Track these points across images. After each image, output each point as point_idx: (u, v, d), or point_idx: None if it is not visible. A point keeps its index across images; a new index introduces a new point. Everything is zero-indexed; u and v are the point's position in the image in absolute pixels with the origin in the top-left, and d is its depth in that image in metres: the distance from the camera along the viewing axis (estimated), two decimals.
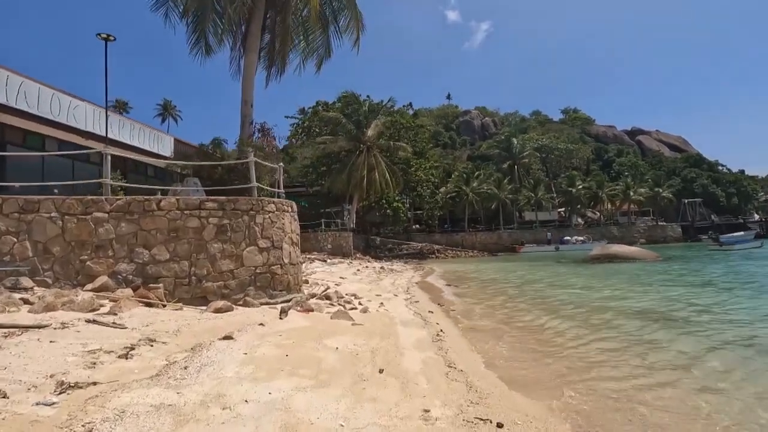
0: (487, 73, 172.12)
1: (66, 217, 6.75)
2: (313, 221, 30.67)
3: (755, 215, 65.26)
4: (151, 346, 4.58)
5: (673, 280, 14.49)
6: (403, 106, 39.20)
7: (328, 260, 23.53)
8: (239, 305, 7.35)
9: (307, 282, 12.32)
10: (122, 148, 16.05)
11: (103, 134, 14.93)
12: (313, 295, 9.23)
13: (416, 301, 10.51)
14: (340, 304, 8.67)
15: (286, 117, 39.27)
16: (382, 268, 22.26)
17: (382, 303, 9.59)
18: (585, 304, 9.72)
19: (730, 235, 51.45)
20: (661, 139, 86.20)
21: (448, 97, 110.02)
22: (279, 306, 7.42)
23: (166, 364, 4.01)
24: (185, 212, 7.31)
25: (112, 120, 16.64)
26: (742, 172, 70.81)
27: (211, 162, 9.83)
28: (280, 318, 6.67)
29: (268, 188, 9.30)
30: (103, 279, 6.65)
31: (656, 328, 7.24)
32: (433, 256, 40.68)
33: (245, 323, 6.03)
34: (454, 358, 5.14)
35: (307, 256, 22.66)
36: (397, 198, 37.06)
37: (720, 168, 70.56)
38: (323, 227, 28.28)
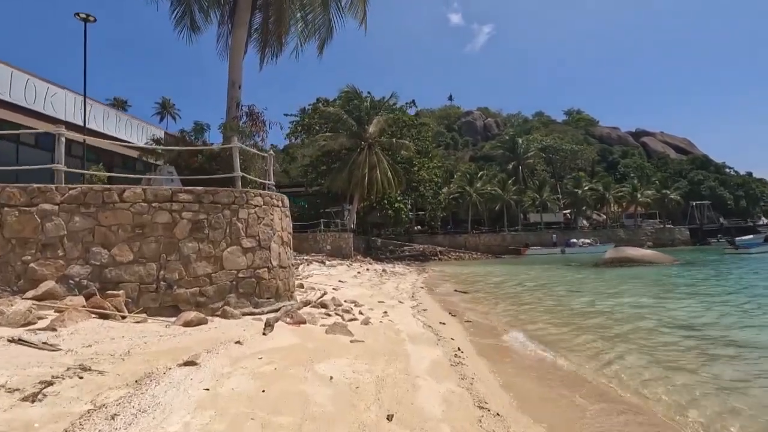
0: (489, 75, 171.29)
1: (5, 209, 5.59)
2: (312, 221, 29.52)
3: (763, 219, 64.07)
4: (80, 378, 3.40)
5: (709, 287, 13.30)
6: (406, 103, 37.94)
7: (327, 262, 22.36)
8: (217, 316, 6.19)
9: (301, 287, 11.16)
10: (106, 139, 14.91)
11: (86, 125, 13.78)
12: (306, 303, 8.05)
13: (424, 310, 9.33)
14: (337, 314, 7.50)
15: (286, 115, 38.13)
16: (384, 270, 21.09)
17: (385, 312, 8.42)
18: (627, 319, 8.43)
19: (745, 238, 50.35)
20: (666, 141, 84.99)
21: (450, 98, 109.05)
22: (265, 317, 6.25)
23: (87, 412, 2.83)
24: (153, 205, 6.14)
25: (95, 110, 15.50)
26: (749, 174, 69.58)
27: (190, 148, 8.64)
28: (264, 333, 5.49)
29: (256, 179, 8.12)
30: (49, 285, 5.48)
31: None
32: (435, 258, 39.48)
33: (218, 341, 4.85)
34: (482, 393, 3.96)
35: (305, 258, 21.50)
36: (399, 198, 35.86)
37: (727, 170, 69.38)
38: (322, 228, 27.11)
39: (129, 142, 15.67)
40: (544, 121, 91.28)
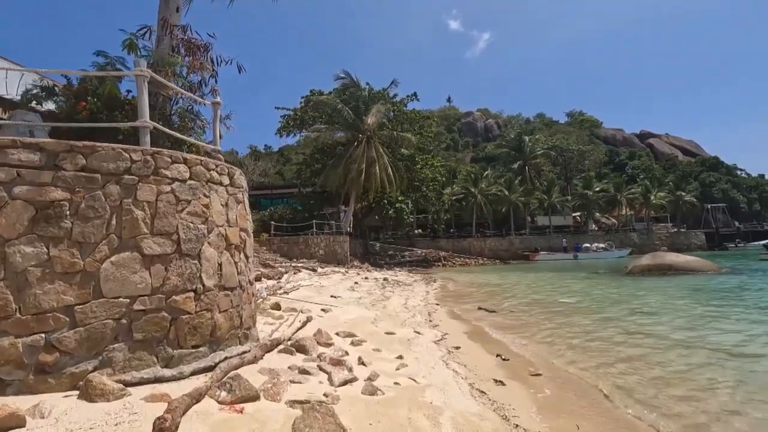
0: (488, 81, 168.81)
1: None
2: (304, 223, 26.42)
3: None
4: None
5: None
6: (407, 96, 34.88)
7: (319, 269, 19.24)
8: (74, 392, 3.10)
9: (278, 307, 8.06)
10: None
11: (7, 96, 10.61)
12: (275, 344, 4.94)
13: (456, 348, 6.25)
14: (322, 369, 4.39)
15: (277, 108, 34.92)
16: (385, 279, 18.00)
17: (401, 356, 5.33)
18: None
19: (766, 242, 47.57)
20: (672, 143, 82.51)
21: (449, 100, 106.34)
22: (181, 384, 3.18)
23: None
24: None
25: None
26: (761, 176, 67.03)
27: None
28: None
29: (187, 139, 5.02)
30: None
31: None
32: (439, 263, 36.40)
33: None
34: None
35: (293, 265, 18.36)
36: (400, 198, 32.78)
37: (738, 172, 66.79)
38: (314, 230, 23.99)
39: None
40: (546, 123, 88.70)
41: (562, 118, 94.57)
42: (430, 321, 8.50)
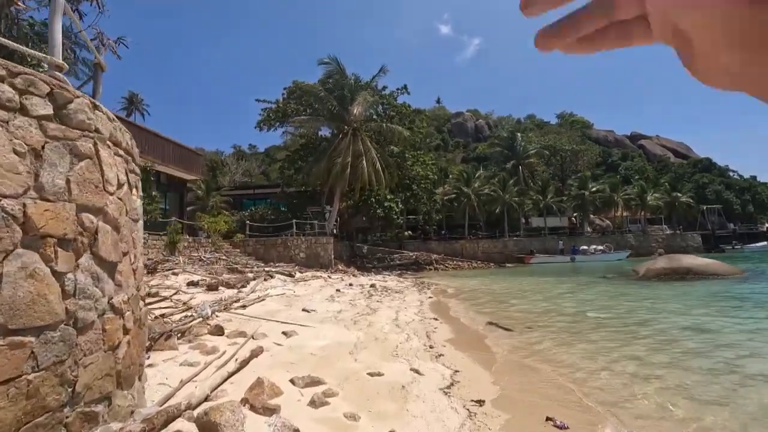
0: (478, 84, 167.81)
1: None
2: (286, 222, 24.07)
3: (767, 224, 60.80)
4: None
5: None
6: (397, 89, 32.69)
7: (298, 274, 16.93)
8: None
9: (219, 331, 5.79)
10: None
11: None
12: (162, 424, 2.68)
13: (479, 403, 4.00)
14: None
15: (258, 101, 32.46)
16: (372, 286, 15.74)
17: None
18: None
19: (760, 244, 46.56)
20: (663, 145, 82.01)
21: (438, 101, 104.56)
22: None
23: None
24: None
25: None
26: (754, 178, 66.49)
27: None
28: None
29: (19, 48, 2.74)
30: None
31: None
32: (430, 267, 34.24)
33: None
34: None
35: (266, 269, 16.00)
36: (389, 196, 30.56)
37: (730, 174, 66.15)
38: (295, 231, 21.63)
39: None
40: (537, 123, 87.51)
41: (553, 120, 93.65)
42: (431, 348, 6.27)
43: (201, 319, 6.42)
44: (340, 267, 23.69)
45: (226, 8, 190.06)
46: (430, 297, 14.10)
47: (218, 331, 5.80)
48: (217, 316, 7.12)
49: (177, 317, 6.46)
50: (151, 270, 12.14)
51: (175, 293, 8.86)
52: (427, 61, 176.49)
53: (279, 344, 5.63)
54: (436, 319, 9.19)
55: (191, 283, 10.50)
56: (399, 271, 29.28)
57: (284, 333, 6.25)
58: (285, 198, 32.65)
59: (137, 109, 75.30)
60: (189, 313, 6.78)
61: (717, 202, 57.05)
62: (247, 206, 33.81)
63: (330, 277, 18.02)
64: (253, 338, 5.79)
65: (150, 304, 7.59)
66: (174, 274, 11.95)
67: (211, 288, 9.76)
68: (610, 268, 27.89)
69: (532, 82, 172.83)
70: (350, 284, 15.93)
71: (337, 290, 13.42)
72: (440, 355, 5.86)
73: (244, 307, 8.42)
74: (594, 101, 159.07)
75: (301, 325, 7.14)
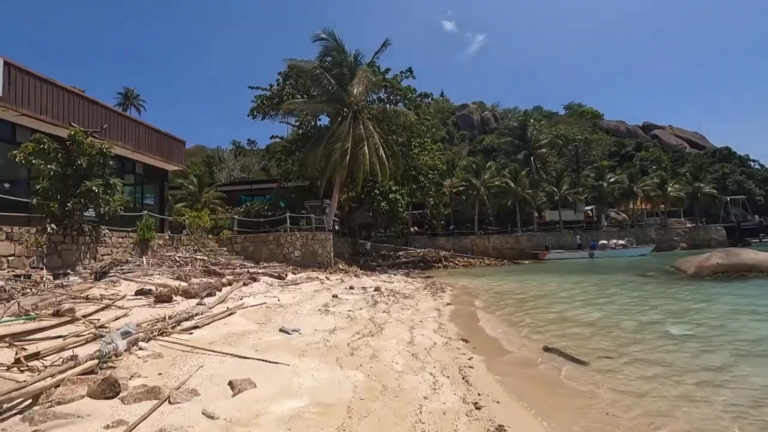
0: (482, 81, 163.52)
1: None
2: (279, 216, 21.59)
3: None
4: None
5: None
6: (401, 72, 30.03)
7: (290, 275, 14.44)
8: None
9: (113, 390, 3.25)
10: None
11: None
12: None
13: None
14: None
15: (251, 87, 29.93)
16: (377, 289, 13.21)
17: None
18: None
19: None
20: (677, 135, 78.82)
21: (442, 94, 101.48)
22: None
23: None
24: None
25: None
26: None
27: None
28: None
29: None
30: None
31: None
32: (439, 264, 31.73)
33: None
34: None
35: (250, 271, 13.49)
36: (394, 188, 27.96)
37: (751, 163, 63.02)
38: (288, 226, 19.12)
39: None
40: (545, 114, 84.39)
41: (561, 111, 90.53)
42: (477, 407, 3.75)
43: (98, 361, 3.91)
44: (341, 266, 21.19)
45: (227, 8, 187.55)
46: (447, 303, 11.56)
47: (109, 389, 3.28)
48: (139, 349, 4.62)
49: (56, 358, 3.96)
50: (100, 275, 9.68)
51: (101, 309, 6.37)
52: (431, 58, 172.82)
53: (211, 416, 3.11)
54: (465, 341, 6.64)
55: (140, 292, 8.02)
56: (405, 270, 26.76)
57: (231, 385, 3.73)
58: (281, 192, 30.24)
59: (132, 104, 73.18)
60: (88, 348, 4.29)
61: (739, 193, 54.10)
62: (244, 202, 31.64)
63: (328, 279, 15.52)
64: (169, 401, 3.28)
65: (46, 329, 5.10)
66: (127, 280, 9.47)
67: (161, 299, 7.25)
68: (634, 265, 25.25)
69: (537, 76, 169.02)
70: (350, 288, 13.42)
71: (334, 296, 10.90)
72: (500, 427, 3.32)
73: (195, 328, 5.91)
74: (600, 92, 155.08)
75: (268, 362, 4.63)
